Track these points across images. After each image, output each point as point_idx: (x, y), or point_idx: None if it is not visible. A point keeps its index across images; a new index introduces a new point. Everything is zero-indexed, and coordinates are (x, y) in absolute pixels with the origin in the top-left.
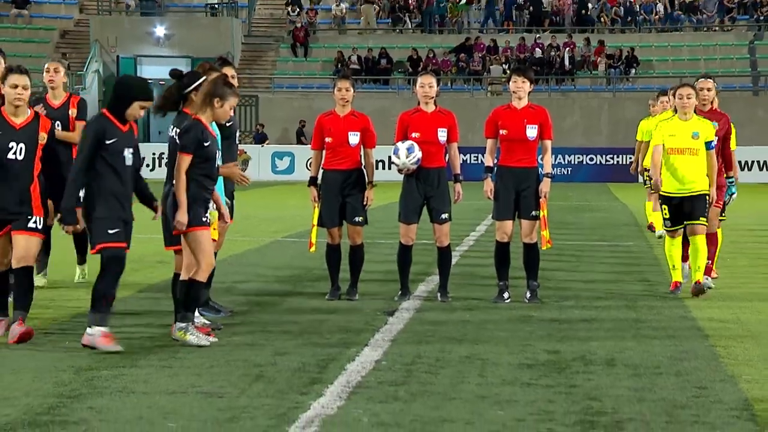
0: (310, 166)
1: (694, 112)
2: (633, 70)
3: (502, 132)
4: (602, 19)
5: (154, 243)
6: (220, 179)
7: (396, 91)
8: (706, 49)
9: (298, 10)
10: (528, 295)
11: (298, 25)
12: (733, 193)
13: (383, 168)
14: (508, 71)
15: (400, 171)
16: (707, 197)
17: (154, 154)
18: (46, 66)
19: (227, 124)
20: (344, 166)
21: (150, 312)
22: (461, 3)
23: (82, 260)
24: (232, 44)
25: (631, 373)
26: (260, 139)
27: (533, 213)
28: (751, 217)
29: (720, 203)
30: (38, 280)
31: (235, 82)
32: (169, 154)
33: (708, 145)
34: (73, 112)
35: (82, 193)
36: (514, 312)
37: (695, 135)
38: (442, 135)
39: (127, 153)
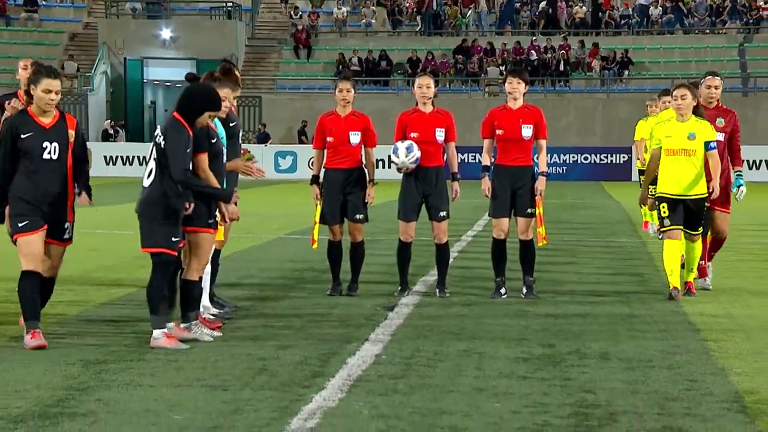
0: (312, 165)
1: (696, 110)
2: (626, 72)
3: (499, 132)
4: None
5: None
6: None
7: (395, 92)
8: (698, 51)
9: (300, 13)
10: (524, 290)
11: (300, 27)
12: (740, 185)
13: (383, 167)
14: (504, 73)
15: (399, 170)
16: (705, 205)
17: None
18: (23, 63)
19: (231, 124)
20: (345, 164)
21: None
22: (467, 15)
23: None
24: (236, 46)
25: (625, 367)
26: (263, 138)
27: (529, 210)
28: (740, 214)
29: (728, 208)
30: None
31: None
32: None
33: (707, 146)
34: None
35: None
36: (511, 307)
37: (691, 136)
38: (440, 135)
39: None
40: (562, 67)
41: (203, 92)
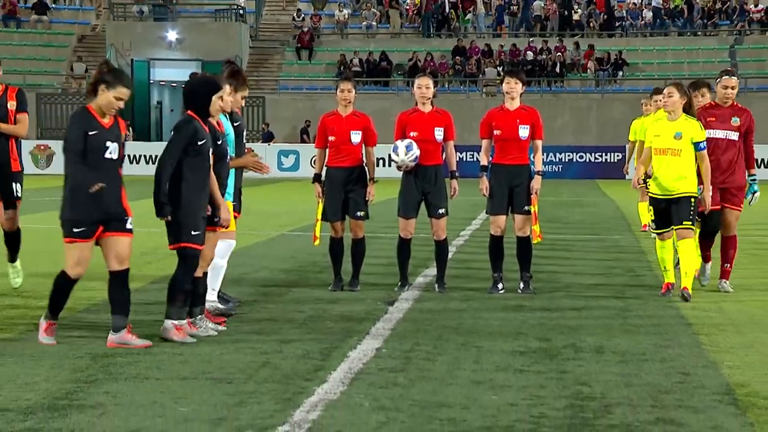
0: (314, 163)
1: (692, 110)
2: (621, 73)
3: (496, 132)
4: (590, 24)
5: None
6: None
7: (395, 92)
8: (690, 52)
9: (302, 15)
10: (521, 285)
11: (303, 29)
12: (755, 191)
13: (383, 165)
14: (501, 73)
15: (399, 168)
16: (692, 200)
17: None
18: None
19: (235, 124)
20: (347, 163)
21: (163, 302)
22: (467, 18)
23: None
24: (240, 48)
25: (619, 360)
26: (267, 138)
27: (525, 208)
28: None
29: (740, 206)
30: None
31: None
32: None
33: (696, 146)
34: (12, 104)
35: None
36: (508, 302)
37: (677, 135)
38: (438, 134)
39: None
40: (557, 69)
41: (201, 80)
